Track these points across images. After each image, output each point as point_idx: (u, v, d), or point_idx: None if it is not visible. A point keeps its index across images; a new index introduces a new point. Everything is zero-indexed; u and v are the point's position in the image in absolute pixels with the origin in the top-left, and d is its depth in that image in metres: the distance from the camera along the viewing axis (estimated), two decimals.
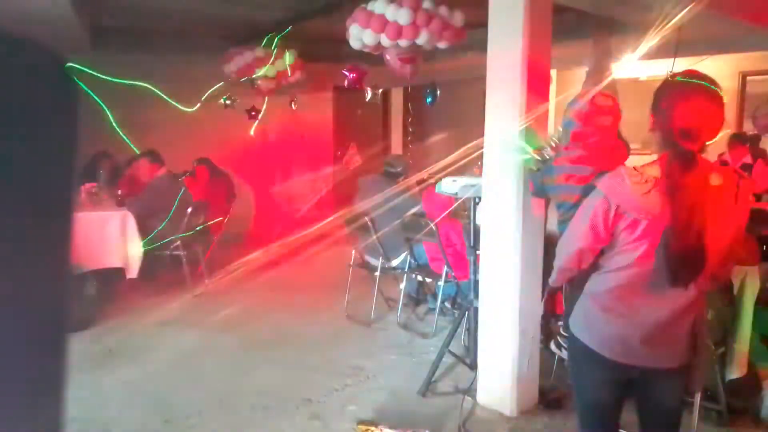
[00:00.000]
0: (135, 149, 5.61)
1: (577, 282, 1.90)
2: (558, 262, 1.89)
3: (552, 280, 1.97)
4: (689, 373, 1.82)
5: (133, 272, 4.71)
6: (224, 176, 6.58)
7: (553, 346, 3.23)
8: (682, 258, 1.59)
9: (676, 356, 1.77)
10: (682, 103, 1.66)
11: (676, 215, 1.57)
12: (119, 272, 4.73)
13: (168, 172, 5.38)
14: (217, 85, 6.43)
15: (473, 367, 3.31)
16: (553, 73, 5.02)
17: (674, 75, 1.72)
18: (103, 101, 5.38)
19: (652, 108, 1.73)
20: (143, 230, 4.99)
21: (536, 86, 2.95)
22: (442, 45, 4.35)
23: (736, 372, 2.95)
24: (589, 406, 1.93)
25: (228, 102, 7.04)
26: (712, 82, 1.66)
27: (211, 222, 5.81)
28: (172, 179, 5.39)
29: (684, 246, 1.58)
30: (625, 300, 1.74)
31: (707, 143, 1.66)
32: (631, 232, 1.67)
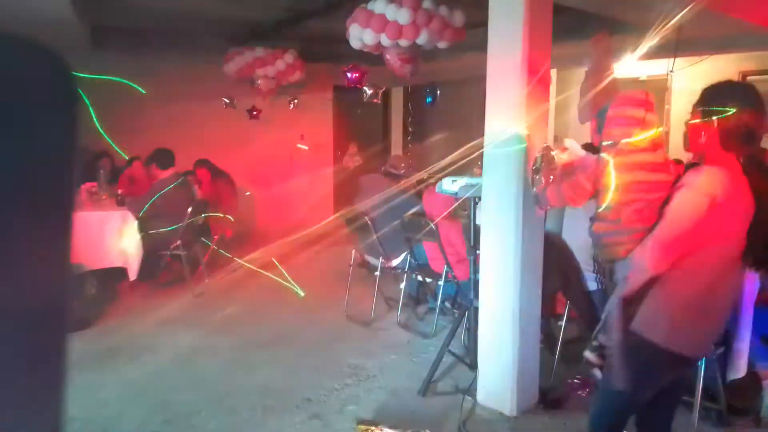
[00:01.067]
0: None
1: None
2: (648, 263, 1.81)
3: (634, 281, 1.85)
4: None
5: (133, 273, 4.71)
6: (225, 177, 6.59)
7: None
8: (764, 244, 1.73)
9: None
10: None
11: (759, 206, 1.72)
12: (119, 272, 4.73)
13: (175, 174, 5.33)
14: None
15: (473, 367, 3.31)
16: (553, 73, 5.02)
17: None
18: (104, 101, 5.39)
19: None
20: (145, 230, 5.00)
21: (536, 86, 2.95)
22: (442, 45, 4.35)
23: (736, 372, 2.95)
24: (632, 406, 2.00)
25: (228, 102, 7.04)
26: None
27: (212, 222, 5.81)
28: (178, 181, 5.34)
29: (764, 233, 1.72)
30: (710, 294, 1.82)
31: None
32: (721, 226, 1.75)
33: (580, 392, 3.28)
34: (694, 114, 1.82)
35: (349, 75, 5.58)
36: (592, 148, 2.91)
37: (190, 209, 5.04)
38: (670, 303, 1.83)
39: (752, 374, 3.04)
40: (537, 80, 2.94)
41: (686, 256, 1.77)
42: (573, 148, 2.98)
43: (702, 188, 1.70)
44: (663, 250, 1.75)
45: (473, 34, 4.29)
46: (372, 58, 4.91)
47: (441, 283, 4.15)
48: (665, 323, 1.83)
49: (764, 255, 1.78)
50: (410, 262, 4.50)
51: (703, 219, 1.69)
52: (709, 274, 1.78)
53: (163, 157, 5.28)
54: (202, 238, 5.57)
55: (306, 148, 8.18)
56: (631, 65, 4.83)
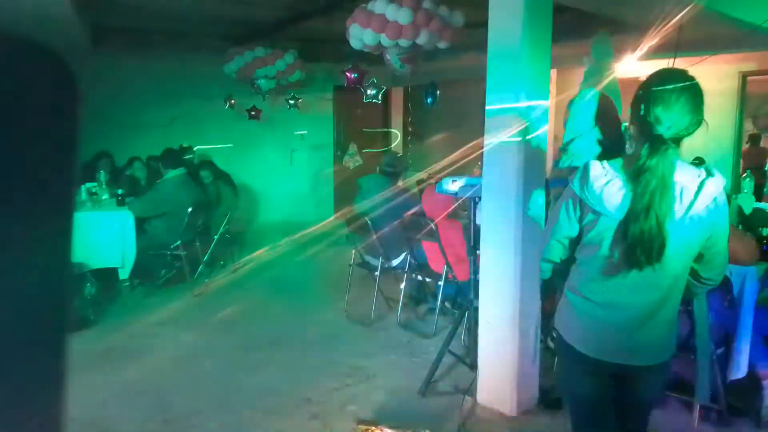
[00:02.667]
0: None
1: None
2: None
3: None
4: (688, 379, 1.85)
5: (126, 273, 4.71)
6: (226, 177, 6.59)
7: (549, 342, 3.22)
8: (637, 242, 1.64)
9: (658, 352, 1.78)
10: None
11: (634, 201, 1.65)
12: (119, 272, 4.74)
13: (180, 174, 5.32)
14: None
15: (473, 367, 3.31)
16: (553, 73, 5.02)
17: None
18: (104, 101, 5.40)
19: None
20: (146, 231, 5.00)
21: (536, 86, 2.95)
22: (442, 45, 4.35)
23: (736, 372, 2.95)
24: (580, 405, 1.94)
25: (228, 102, 7.05)
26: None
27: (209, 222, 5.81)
28: (182, 181, 5.33)
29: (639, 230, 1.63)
30: (598, 291, 1.78)
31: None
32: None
33: None
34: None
35: (349, 75, 5.58)
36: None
37: (190, 209, 5.04)
38: (564, 297, 1.92)
39: (752, 374, 3.04)
40: (537, 80, 2.95)
41: None
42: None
43: None
44: None
45: (473, 34, 4.29)
46: (372, 58, 4.91)
47: (441, 283, 4.15)
48: (564, 317, 1.91)
49: None
50: (410, 262, 4.50)
51: None
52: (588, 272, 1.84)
53: (170, 157, 5.27)
54: (203, 238, 5.57)
55: (305, 132, 8.16)
56: (631, 65, 4.83)
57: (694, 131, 1.66)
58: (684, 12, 3.33)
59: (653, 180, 1.61)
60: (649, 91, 1.66)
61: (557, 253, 1.90)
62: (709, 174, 1.66)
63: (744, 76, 7.02)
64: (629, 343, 1.74)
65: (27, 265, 0.42)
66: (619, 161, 1.73)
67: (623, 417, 1.88)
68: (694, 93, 1.64)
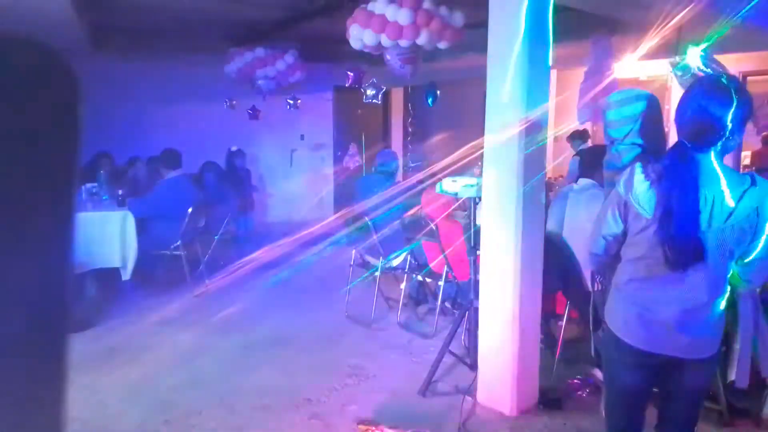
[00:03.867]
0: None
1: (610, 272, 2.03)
2: None
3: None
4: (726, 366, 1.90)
5: (127, 273, 4.71)
6: (231, 178, 6.59)
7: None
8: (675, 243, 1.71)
9: (703, 347, 1.82)
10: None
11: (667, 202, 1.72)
12: (119, 272, 4.74)
13: (180, 175, 5.32)
14: None
15: (473, 367, 3.31)
16: (553, 73, 5.03)
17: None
18: (105, 101, 5.39)
19: None
20: (146, 231, 5.00)
21: (536, 87, 2.95)
22: (442, 45, 4.35)
23: (741, 380, 2.95)
24: (619, 393, 2.00)
25: (229, 102, 7.05)
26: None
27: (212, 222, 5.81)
28: (183, 182, 5.33)
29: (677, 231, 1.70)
30: (644, 288, 1.84)
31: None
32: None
33: (580, 392, 3.28)
34: None
35: (351, 75, 5.59)
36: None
37: (190, 210, 5.04)
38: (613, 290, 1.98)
39: (753, 374, 3.04)
40: (537, 80, 2.95)
41: None
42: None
43: None
44: None
45: (473, 34, 4.30)
46: (372, 58, 4.91)
47: (441, 283, 4.15)
48: (612, 308, 1.96)
49: None
50: (410, 262, 4.50)
51: None
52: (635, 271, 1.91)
53: (170, 158, 5.27)
54: (203, 238, 5.57)
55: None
56: (631, 65, 4.84)
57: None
58: (684, 12, 3.33)
59: (674, 185, 1.69)
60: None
61: (601, 247, 1.98)
62: (754, 183, 1.71)
63: (744, 76, 7.02)
64: (673, 337, 1.80)
65: (28, 266, 0.42)
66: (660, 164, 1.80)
67: (676, 408, 1.96)
68: None
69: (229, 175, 6.63)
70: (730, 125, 1.69)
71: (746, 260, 1.78)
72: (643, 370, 1.90)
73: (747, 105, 1.73)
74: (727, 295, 1.82)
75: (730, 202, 1.68)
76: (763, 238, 1.74)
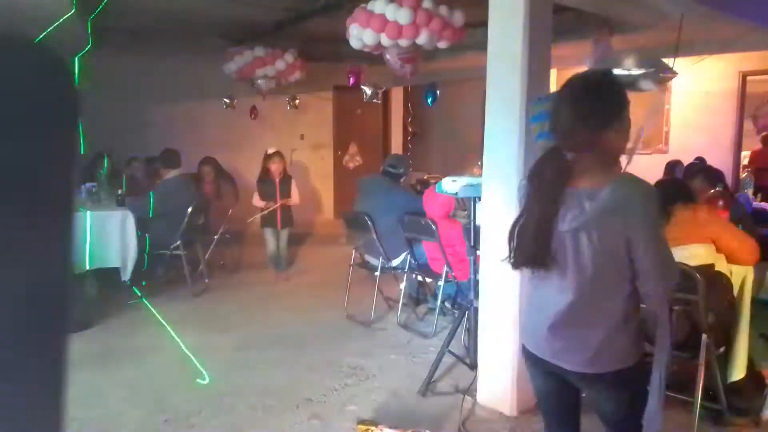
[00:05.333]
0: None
1: None
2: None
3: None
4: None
5: (126, 274, 4.71)
6: (227, 177, 6.59)
7: None
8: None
9: (579, 360, 1.66)
10: None
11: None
12: (119, 272, 4.73)
13: (180, 174, 5.31)
14: None
15: (473, 367, 3.31)
16: (553, 73, 5.03)
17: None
18: (104, 101, 5.39)
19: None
20: (146, 231, 4.99)
21: (536, 86, 2.95)
22: (442, 45, 4.35)
23: (736, 374, 2.95)
24: (537, 399, 1.98)
25: (228, 102, 7.05)
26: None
27: (212, 222, 5.81)
28: (183, 182, 5.32)
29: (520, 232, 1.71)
30: (531, 288, 1.83)
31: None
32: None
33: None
34: None
35: (352, 75, 5.59)
36: None
37: (190, 209, 5.04)
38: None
39: (753, 374, 3.04)
40: (537, 80, 2.95)
41: None
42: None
43: None
44: None
45: (473, 34, 4.30)
46: (372, 58, 4.91)
47: (441, 283, 4.16)
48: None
49: None
50: (410, 262, 4.50)
51: None
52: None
53: (169, 158, 5.27)
54: (203, 238, 5.57)
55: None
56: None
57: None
58: (684, 12, 3.33)
59: (531, 184, 1.69)
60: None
61: None
62: (621, 181, 1.57)
63: (744, 76, 7.03)
64: (552, 343, 1.72)
65: (28, 266, 0.42)
66: None
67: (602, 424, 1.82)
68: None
69: (225, 173, 6.62)
70: (583, 124, 1.58)
71: (636, 268, 1.59)
72: (546, 376, 1.82)
73: (599, 101, 1.61)
74: (618, 311, 1.62)
75: (588, 202, 1.56)
76: (640, 249, 1.55)
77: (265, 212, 5.90)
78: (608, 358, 1.65)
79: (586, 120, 1.59)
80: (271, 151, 6.09)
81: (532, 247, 1.66)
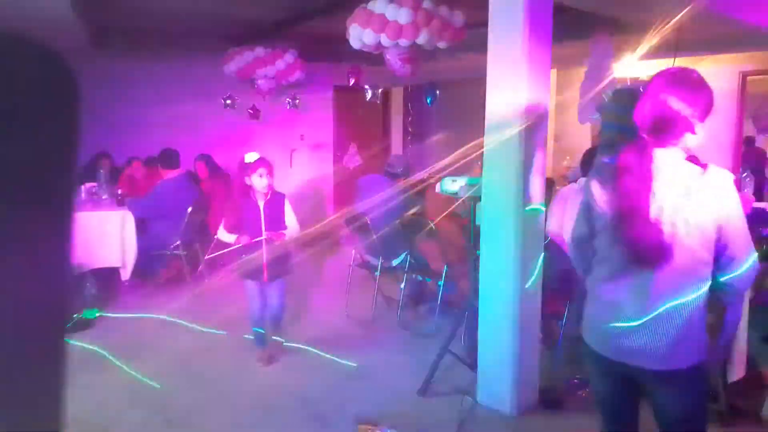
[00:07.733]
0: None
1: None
2: None
3: None
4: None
5: (126, 273, 4.71)
6: (223, 176, 6.58)
7: None
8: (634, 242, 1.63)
9: (660, 357, 1.66)
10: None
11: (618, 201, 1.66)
12: (119, 272, 4.74)
13: (180, 174, 5.31)
14: None
15: (473, 367, 3.31)
16: (553, 73, 5.03)
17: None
18: (104, 101, 5.39)
19: None
20: (146, 231, 5.00)
21: (536, 86, 2.95)
22: (442, 45, 4.35)
23: (736, 374, 2.95)
24: (596, 400, 1.96)
25: (228, 102, 7.04)
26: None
27: (211, 221, 5.81)
28: (183, 181, 5.32)
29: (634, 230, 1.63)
30: (606, 290, 1.77)
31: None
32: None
33: (580, 392, 3.28)
34: None
35: (353, 75, 5.58)
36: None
37: (190, 209, 5.04)
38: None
39: (754, 374, 3.04)
40: (537, 80, 2.95)
41: None
42: None
43: None
44: None
45: (473, 34, 4.29)
46: (372, 58, 4.91)
47: (441, 283, 4.15)
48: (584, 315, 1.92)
49: None
50: (410, 262, 4.50)
51: None
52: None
53: (169, 158, 5.27)
54: (202, 238, 5.57)
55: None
56: (631, 65, 4.83)
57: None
58: (684, 12, 3.33)
59: (626, 182, 1.63)
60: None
61: (572, 249, 1.93)
62: (711, 171, 1.62)
63: (744, 76, 7.02)
64: (628, 342, 1.68)
65: (28, 266, 0.42)
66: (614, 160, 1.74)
67: (661, 426, 1.81)
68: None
69: (222, 172, 6.61)
70: (691, 118, 1.62)
71: (719, 258, 1.64)
72: (609, 378, 1.82)
73: (707, 98, 1.65)
74: (698, 302, 1.64)
75: (688, 194, 1.59)
76: (732, 237, 1.60)
77: (243, 256, 3.80)
78: (686, 352, 1.67)
79: (701, 115, 1.65)
80: (251, 159, 3.77)
81: (650, 244, 1.60)
